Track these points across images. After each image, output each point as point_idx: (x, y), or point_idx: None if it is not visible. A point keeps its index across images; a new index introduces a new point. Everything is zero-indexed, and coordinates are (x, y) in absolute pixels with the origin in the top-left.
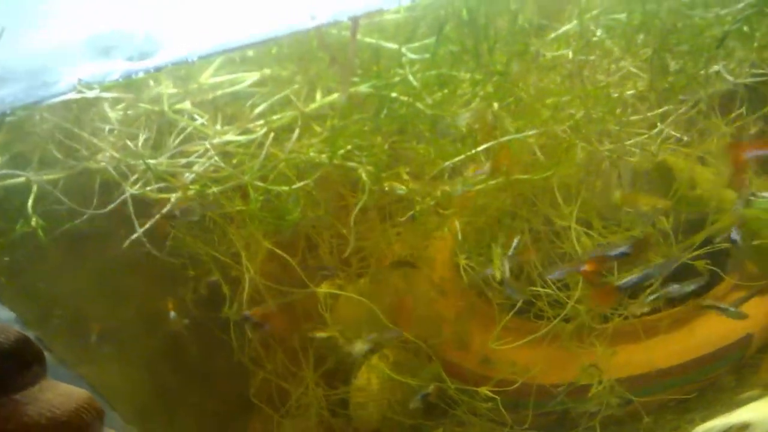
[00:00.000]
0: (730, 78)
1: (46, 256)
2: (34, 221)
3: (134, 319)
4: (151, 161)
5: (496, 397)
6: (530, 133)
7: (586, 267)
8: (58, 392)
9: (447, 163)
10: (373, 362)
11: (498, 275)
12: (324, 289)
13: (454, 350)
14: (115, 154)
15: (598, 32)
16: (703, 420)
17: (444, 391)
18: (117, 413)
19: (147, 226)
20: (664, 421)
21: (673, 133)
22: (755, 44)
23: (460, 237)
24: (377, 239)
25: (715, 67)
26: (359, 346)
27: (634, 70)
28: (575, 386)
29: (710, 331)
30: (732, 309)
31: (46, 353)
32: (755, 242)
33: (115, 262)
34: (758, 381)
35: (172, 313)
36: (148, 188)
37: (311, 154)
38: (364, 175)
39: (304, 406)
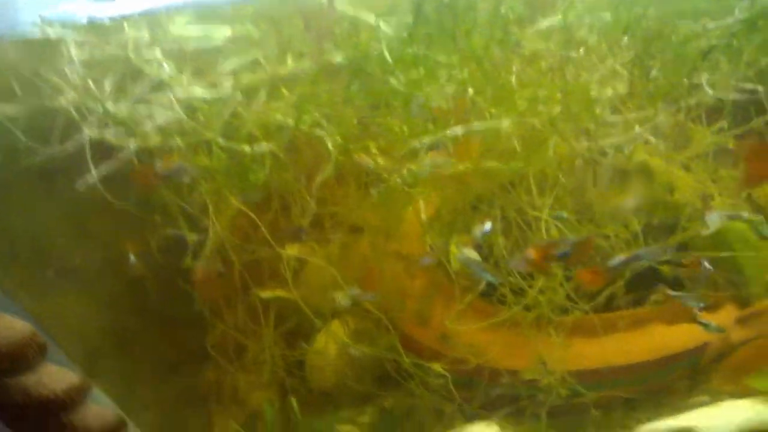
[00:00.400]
0: (709, 91)
1: (6, 190)
2: None
3: (96, 259)
4: (112, 106)
5: (447, 375)
6: (504, 122)
7: (533, 254)
8: (1, 324)
9: (417, 144)
10: (333, 328)
11: (457, 260)
12: (292, 251)
13: (414, 325)
14: (76, 96)
15: (582, 30)
16: (650, 420)
17: (399, 363)
18: (63, 350)
19: (105, 169)
20: (612, 417)
21: (651, 138)
22: (743, 60)
23: (424, 216)
24: (351, 207)
25: (698, 79)
26: (342, 298)
27: (618, 68)
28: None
29: (668, 336)
30: (712, 325)
31: None
32: (724, 254)
33: (81, 202)
34: (709, 389)
35: (133, 258)
36: (108, 133)
37: (278, 117)
38: (330, 145)
39: (260, 362)
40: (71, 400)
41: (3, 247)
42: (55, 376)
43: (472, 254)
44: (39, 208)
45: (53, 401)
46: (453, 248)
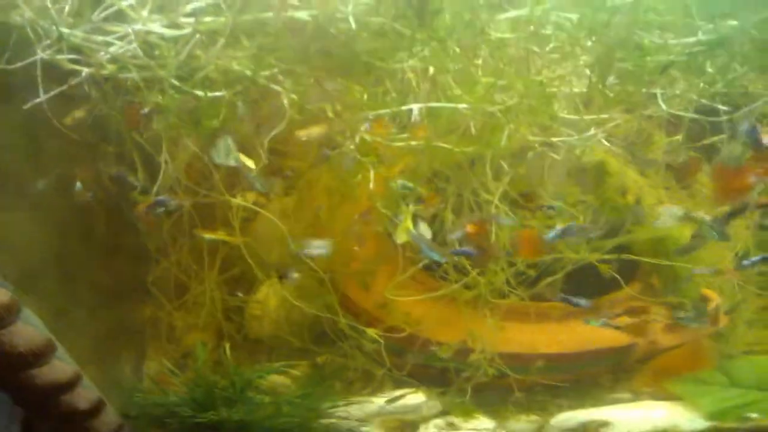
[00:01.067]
0: (663, 106)
1: None
2: None
3: (45, 181)
4: (66, 30)
5: (381, 341)
6: (462, 105)
7: (469, 228)
8: None
9: (371, 114)
10: (276, 281)
11: (406, 234)
12: (242, 200)
13: (356, 288)
14: (31, 14)
15: (549, 26)
16: (571, 408)
17: (336, 323)
18: None
19: (55, 92)
20: (534, 400)
21: (604, 142)
22: (700, 80)
23: (371, 185)
24: (309, 163)
25: (654, 92)
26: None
27: (578, 69)
28: (458, 348)
29: (598, 331)
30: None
31: None
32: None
33: (36, 122)
34: (630, 387)
35: (79, 184)
36: (60, 56)
37: (235, 66)
38: (285, 101)
39: (199, 304)
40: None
41: None
42: None
43: (426, 230)
44: None
45: None
46: (406, 222)
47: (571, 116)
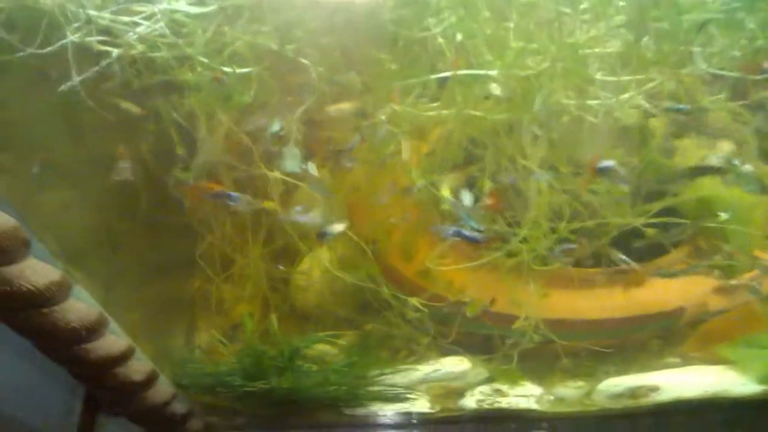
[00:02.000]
0: (702, 65)
1: None
2: None
3: (85, 159)
4: (94, 12)
5: (424, 309)
6: (492, 72)
7: (489, 201)
8: None
9: (399, 83)
10: (319, 251)
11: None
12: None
13: (398, 257)
14: None
15: None
16: (619, 373)
17: (379, 293)
18: (45, 245)
19: (88, 73)
20: (581, 366)
21: (644, 102)
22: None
23: (406, 156)
24: (344, 135)
25: (693, 49)
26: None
27: (612, 30)
28: (503, 316)
29: (645, 296)
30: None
31: None
32: (711, 221)
33: (74, 104)
34: (679, 352)
35: (124, 162)
36: (90, 38)
37: (261, 41)
38: (314, 74)
39: (246, 276)
40: (52, 294)
41: None
42: (37, 271)
43: (467, 197)
44: (28, 102)
45: (35, 294)
46: (445, 190)
47: (608, 78)
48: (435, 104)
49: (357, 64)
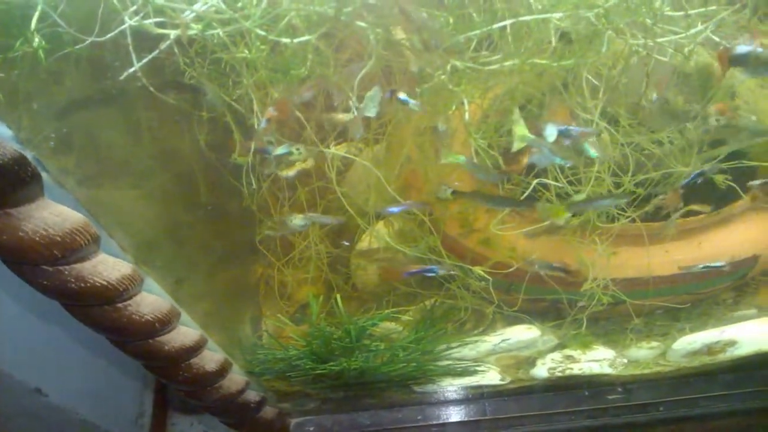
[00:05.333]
0: None
1: (51, 77)
2: (36, 41)
3: (145, 152)
4: None
5: (488, 278)
6: (555, 15)
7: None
8: (54, 212)
9: (461, 36)
10: (377, 227)
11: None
12: (339, 150)
13: (457, 227)
14: None
15: None
16: (693, 330)
17: (441, 265)
18: (115, 241)
19: (147, 59)
20: (654, 326)
21: (714, 37)
22: None
23: (467, 117)
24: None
25: None
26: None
27: None
28: (569, 279)
29: (716, 246)
30: None
31: (44, 174)
32: None
33: (129, 95)
34: (755, 302)
35: (187, 152)
36: (147, 21)
37: (316, 7)
38: (372, 38)
39: (306, 258)
40: (125, 288)
41: (49, 134)
42: (109, 266)
43: (551, 130)
44: (82, 98)
45: (108, 289)
46: (519, 128)
47: (675, 12)
48: (496, 57)
49: (414, 21)
